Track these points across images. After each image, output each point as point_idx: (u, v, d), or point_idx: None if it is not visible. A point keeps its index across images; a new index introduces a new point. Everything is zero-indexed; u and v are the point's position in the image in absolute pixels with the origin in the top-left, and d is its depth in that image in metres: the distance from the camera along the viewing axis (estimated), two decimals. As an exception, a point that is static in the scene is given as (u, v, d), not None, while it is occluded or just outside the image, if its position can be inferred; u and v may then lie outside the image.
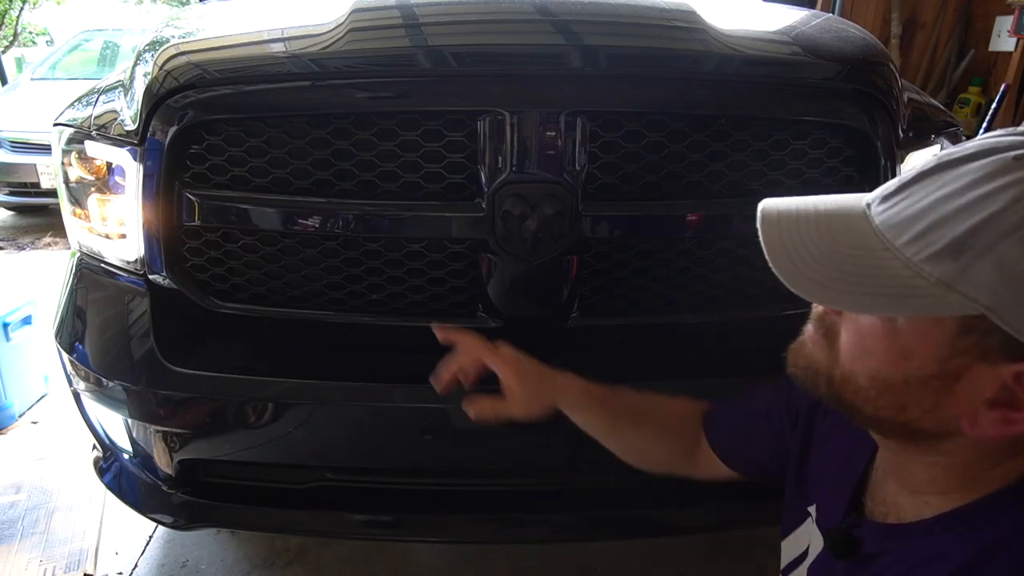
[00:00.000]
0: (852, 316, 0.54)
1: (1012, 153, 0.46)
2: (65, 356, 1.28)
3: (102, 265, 1.30)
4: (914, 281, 0.47)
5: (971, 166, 0.47)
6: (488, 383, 0.94)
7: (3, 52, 9.68)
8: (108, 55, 6.04)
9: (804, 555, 0.76)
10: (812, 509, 0.75)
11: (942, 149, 1.31)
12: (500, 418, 0.92)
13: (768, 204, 0.57)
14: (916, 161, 1.25)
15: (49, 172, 4.63)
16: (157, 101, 1.12)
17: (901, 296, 0.48)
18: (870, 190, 0.55)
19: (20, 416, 2.38)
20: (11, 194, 4.85)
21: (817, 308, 0.60)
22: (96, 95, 1.37)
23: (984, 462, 0.55)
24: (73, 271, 1.35)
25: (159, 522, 1.34)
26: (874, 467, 0.68)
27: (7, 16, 10.72)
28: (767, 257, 0.54)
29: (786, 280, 0.53)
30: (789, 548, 0.80)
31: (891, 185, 0.52)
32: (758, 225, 0.56)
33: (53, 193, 4.16)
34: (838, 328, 0.56)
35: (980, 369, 0.48)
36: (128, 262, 1.23)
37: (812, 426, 0.78)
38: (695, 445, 0.92)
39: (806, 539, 0.76)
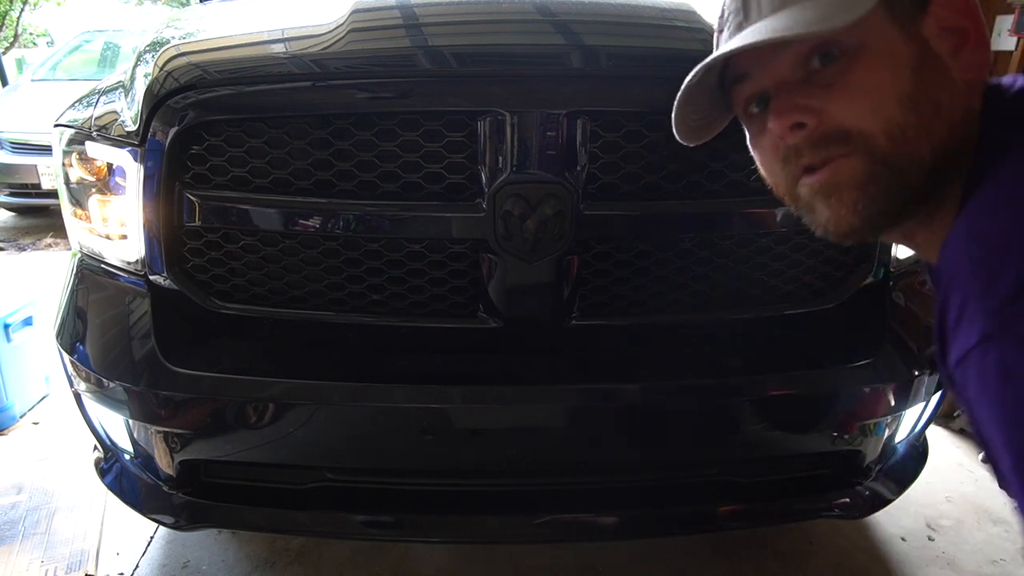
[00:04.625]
0: (846, 82, 0.59)
1: None
2: (66, 357, 1.28)
3: (103, 266, 1.30)
4: None
5: None
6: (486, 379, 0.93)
7: (4, 53, 9.69)
8: (109, 56, 6.04)
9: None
10: None
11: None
12: None
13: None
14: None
15: (50, 173, 4.64)
16: (158, 102, 1.12)
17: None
18: None
19: (21, 417, 2.39)
20: (12, 195, 4.86)
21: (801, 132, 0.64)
22: (97, 96, 1.37)
23: None
24: (74, 272, 1.35)
25: (160, 523, 1.34)
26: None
27: (7, 17, 10.72)
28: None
29: (773, 32, 0.59)
30: None
31: None
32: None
33: (54, 194, 4.16)
34: (847, 127, 0.60)
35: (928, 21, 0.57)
36: (129, 263, 1.24)
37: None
38: None
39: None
